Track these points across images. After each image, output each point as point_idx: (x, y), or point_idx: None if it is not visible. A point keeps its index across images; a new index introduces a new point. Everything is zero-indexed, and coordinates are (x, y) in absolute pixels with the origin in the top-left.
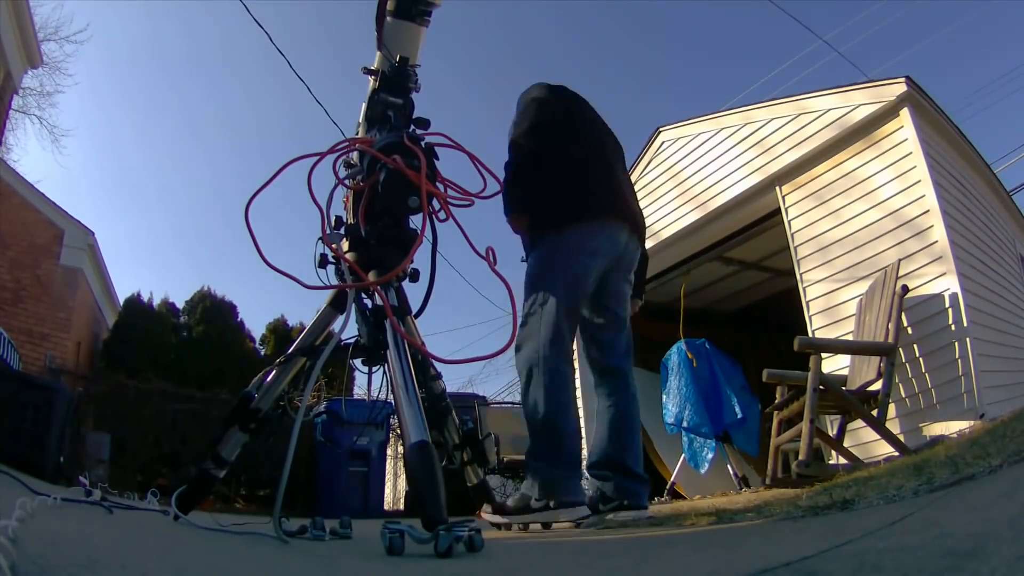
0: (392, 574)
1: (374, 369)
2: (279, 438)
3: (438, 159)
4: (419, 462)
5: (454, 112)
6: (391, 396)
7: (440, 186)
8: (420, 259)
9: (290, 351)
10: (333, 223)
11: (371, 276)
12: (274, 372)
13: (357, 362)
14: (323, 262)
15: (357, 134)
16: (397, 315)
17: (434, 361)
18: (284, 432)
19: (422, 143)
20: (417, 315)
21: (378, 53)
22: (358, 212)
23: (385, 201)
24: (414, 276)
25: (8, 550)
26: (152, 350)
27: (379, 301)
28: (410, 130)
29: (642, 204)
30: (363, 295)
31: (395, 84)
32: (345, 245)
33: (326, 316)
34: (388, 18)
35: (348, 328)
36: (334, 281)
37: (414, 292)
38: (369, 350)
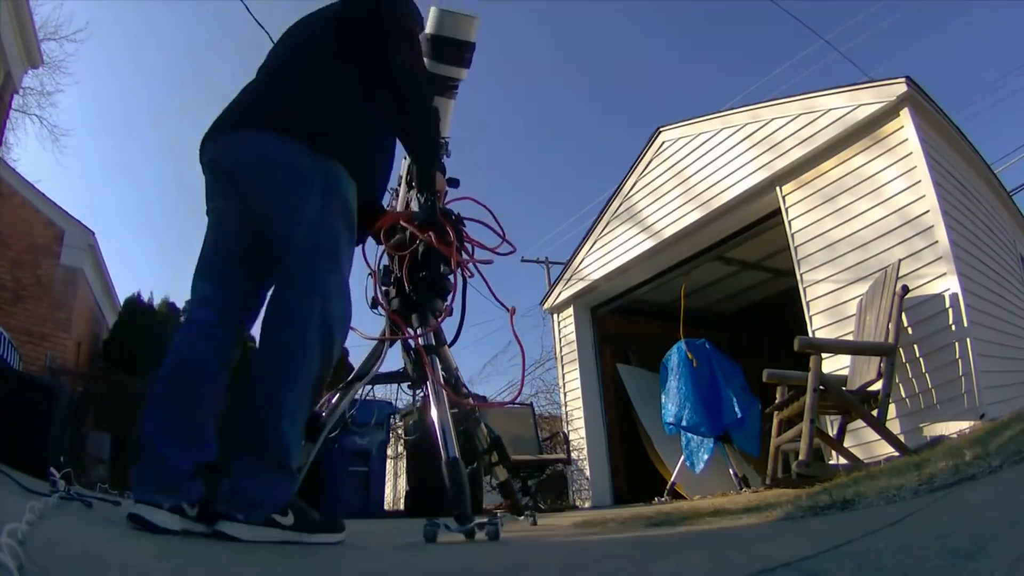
0: (393, 574)
1: (417, 393)
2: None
3: (465, 225)
4: (452, 474)
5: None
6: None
7: (468, 244)
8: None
9: (349, 378)
10: (382, 272)
11: (414, 319)
12: (337, 395)
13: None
14: (374, 303)
15: (400, 187)
16: (436, 348)
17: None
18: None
19: (453, 213)
20: (451, 344)
21: None
22: (402, 270)
23: (423, 268)
24: (449, 312)
25: (16, 552)
26: (152, 350)
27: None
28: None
29: (643, 204)
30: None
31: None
32: (392, 292)
33: (377, 349)
34: None
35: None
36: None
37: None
38: (412, 379)
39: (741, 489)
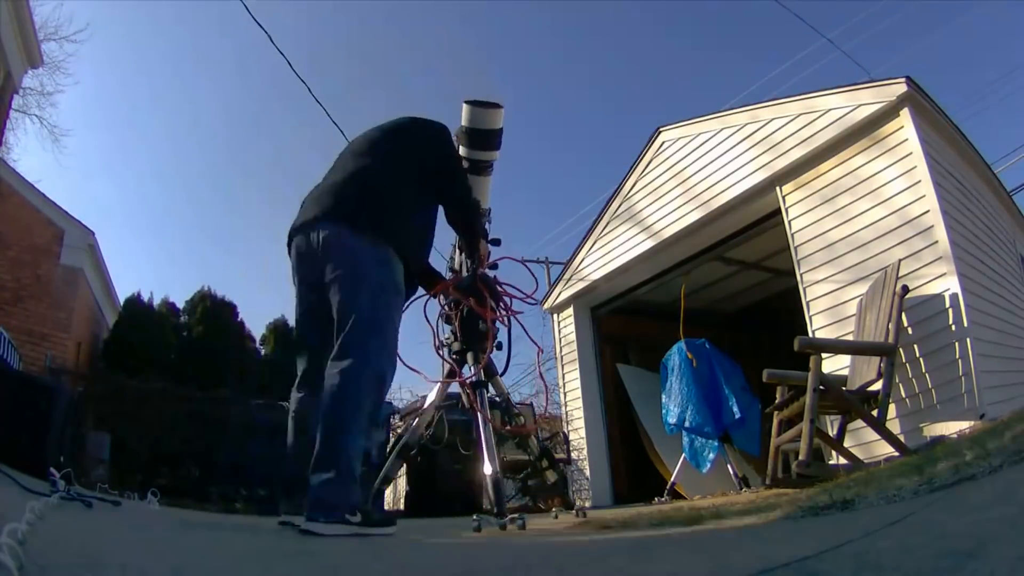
0: (394, 574)
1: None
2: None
3: (502, 286)
4: (494, 484)
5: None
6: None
7: (505, 297)
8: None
9: (425, 407)
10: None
11: (468, 358)
12: (416, 420)
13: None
14: (438, 347)
15: (455, 249)
16: (488, 378)
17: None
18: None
19: (491, 277)
20: (502, 374)
21: None
22: (456, 323)
23: (469, 322)
24: (499, 347)
25: (17, 552)
26: (152, 350)
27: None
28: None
29: (643, 204)
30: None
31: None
32: (450, 339)
33: (445, 384)
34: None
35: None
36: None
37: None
38: (466, 407)
39: (741, 489)
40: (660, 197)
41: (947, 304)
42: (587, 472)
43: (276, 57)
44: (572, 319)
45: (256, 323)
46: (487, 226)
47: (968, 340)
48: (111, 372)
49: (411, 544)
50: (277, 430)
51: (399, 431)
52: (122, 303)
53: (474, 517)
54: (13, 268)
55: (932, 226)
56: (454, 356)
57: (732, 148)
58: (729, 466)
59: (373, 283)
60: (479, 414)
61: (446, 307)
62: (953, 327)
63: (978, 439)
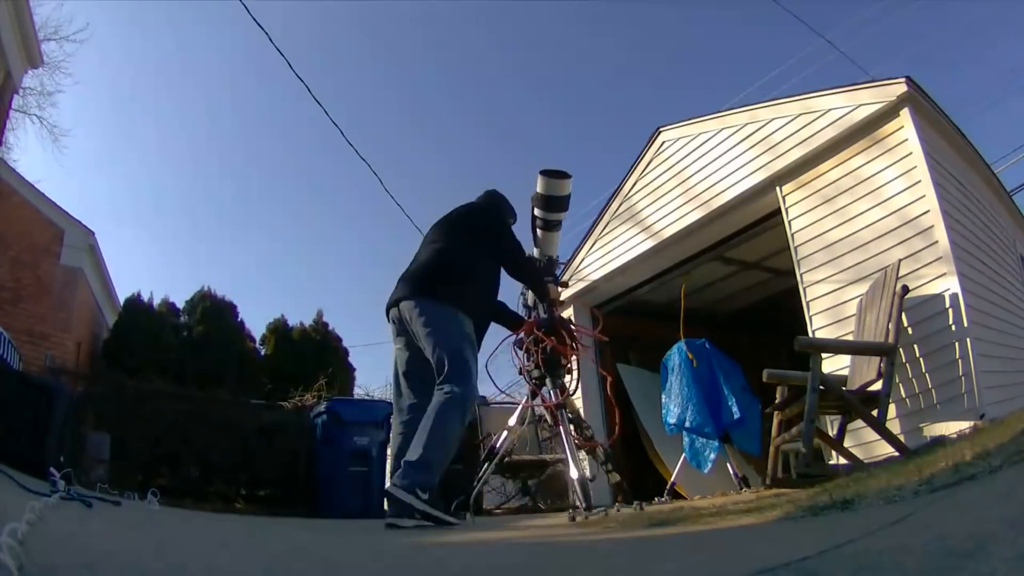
0: (394, 573)
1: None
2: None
3: (575, 325)
4: (582, 485)
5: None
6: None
7: (577, 331)
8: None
9: (512, 424)
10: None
11: (548, 383)
12: (506, 432)
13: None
14: (520, 372)
15: (525, 291)
16: (564, 400)
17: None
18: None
19: (568, 321)
20: (572, 394)
21: (536, 250)
22: (539, 356)
23: (550, 355)
24: (570, 371)
25: (16, 552)
26: (152, 350)
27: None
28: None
29: (642, 204)
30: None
31: (548, 272)
32: (533, 367)
33: (527, 406)
34: (539, 231)
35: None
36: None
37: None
38: (549, 424)
39: (741, 489)
40: (660, 197)
41: (947, 304)
42: (587, 472)
43: (276, 57)
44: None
45: (256, 323)
46: (557, 270)
47: (968, 340)
48: (111, 372)
49: (411, 544)
50: (277, 430)
51: (492, 441)
52: (122, 303)
53: (569, 511)
54: (13, 268)
55: (932, 226)
56: (534, 380)
57: (732, 148)
58: (729, 466)
59: (450, 335)
60: (562, 428)
61: (527, 342)
62: (953, 327)
63: (978, 439)
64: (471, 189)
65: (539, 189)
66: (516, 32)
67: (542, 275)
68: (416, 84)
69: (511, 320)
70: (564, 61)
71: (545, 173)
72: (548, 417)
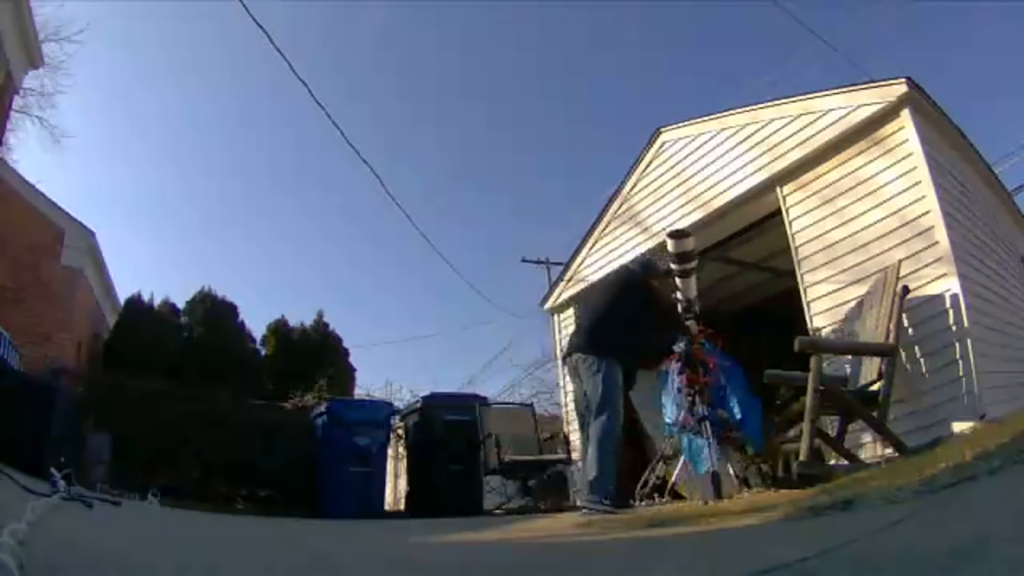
0: (393, 571)
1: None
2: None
3: (708, 356)
4: (713, 480)
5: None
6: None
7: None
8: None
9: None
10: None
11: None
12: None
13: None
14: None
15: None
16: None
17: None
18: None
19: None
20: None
21: (679, 294)
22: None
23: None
24: (701, 391)
25: (17, 552)
26: (153, 350)
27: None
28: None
29: (643, 205)
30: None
31: (689, 310)
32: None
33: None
34: (678, 279)
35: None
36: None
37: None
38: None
39: (741, 489)
40: (660, 198)
41: (947, 305)
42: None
43: (276, 57)
44: (573, 319)
45: (257, 324)
46: (695, 307)
47: (968, 340)
48: (111, 372)
49: (411, 543)
50: (277, 431)
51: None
52: (122, 303)
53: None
54: (13, 268)
55: (932, 227)
56: (688, 399)
57: (732, 149)
58: (729, 466)
59: (603, 380)
60: (710, 438)
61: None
62: (953, 327)
63: (978, 439)
64: (470, 190)
65: (671, 249)
66: (535, 31)
67: (682, 319)
68: (427, 81)
69: (661, 356)
70: (574, 61)
71: (672, 235)
72: (701, 428)
